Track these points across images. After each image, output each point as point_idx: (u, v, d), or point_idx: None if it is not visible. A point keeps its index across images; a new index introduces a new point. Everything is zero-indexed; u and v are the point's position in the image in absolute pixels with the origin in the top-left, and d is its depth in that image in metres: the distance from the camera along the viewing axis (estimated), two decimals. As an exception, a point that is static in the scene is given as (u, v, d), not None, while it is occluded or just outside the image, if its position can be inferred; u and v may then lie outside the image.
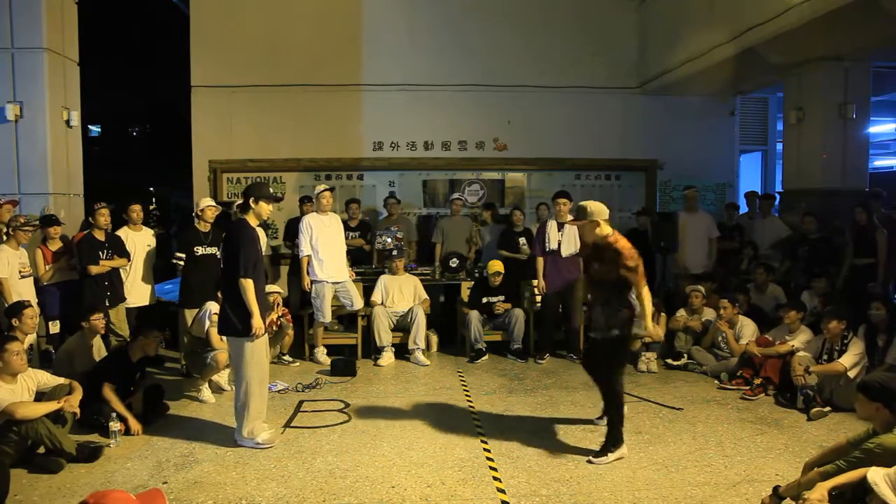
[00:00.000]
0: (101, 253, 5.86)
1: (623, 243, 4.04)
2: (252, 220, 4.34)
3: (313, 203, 6.91)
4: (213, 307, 5.49)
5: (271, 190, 4.51)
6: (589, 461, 3.96)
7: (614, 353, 4.13)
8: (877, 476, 2.63)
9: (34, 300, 5.70)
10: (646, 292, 4.08)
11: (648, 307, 4.12)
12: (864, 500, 2.70)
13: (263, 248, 6.36)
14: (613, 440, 4.03)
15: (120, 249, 6.02)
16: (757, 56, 6.89)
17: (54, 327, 5.87)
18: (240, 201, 6.08)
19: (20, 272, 5.58)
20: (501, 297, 6.76)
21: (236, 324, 4.18)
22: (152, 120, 20.87)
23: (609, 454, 3.98)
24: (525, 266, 7.11)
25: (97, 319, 5.15)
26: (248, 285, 4.13)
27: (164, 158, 17.99)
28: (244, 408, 4.25)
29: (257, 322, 4.16)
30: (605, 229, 4.11)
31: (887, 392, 2.96)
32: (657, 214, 8.30)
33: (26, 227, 5.68)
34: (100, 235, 5.94)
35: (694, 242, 7.41)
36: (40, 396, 4.13)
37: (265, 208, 4.35)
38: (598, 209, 4.11)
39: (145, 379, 4.92)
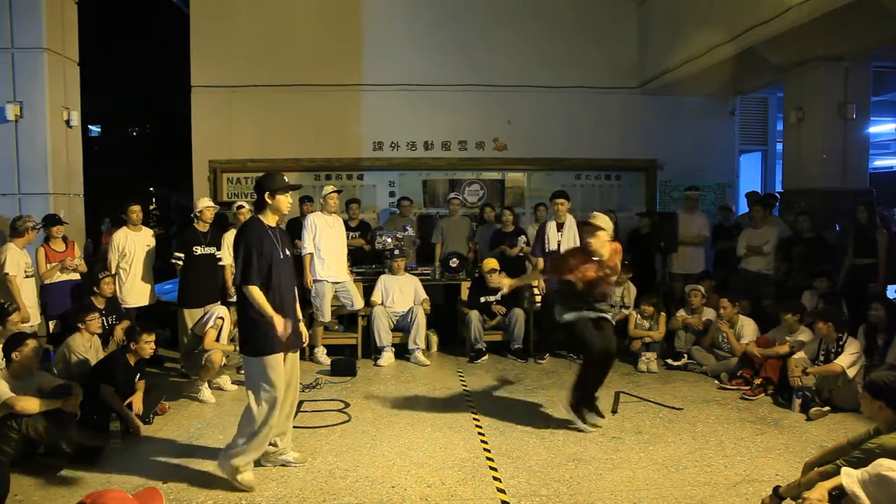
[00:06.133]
0: None
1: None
2: (269, 219, 3.75)
3: (313, 203, 6.90)
4: (218, 311, 5.53)
5: (285, 178, 3.82)
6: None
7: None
8: (853, 485, 2.63)
9: (36, 300, 5.74)
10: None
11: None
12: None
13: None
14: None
15: None
16: (757, 56, 6.89)
17: (54, 327, 5.87)
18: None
19: (25, 272, 5.60)
20: (499, 297, 6.75)
21: (244, 341, 3.69)
22: (152, 120, 20.85)
23: None
24: (524, 265, 7.11)
25: (92, 320, 5.15)
26: (254, 291, 3.56)
27: (164, 158, 17.98)
28: (254, 436, 3.62)
29: (278, 324, 3.53)
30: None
31: (890, 391, 2.96)
32: (657, 214, 8.31)
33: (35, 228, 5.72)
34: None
35: (688, 244, 7.47)
36: (40, 397, 4.13)
37: (284, 202, 3.75)
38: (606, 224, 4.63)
39: (144, 379, 4.92)
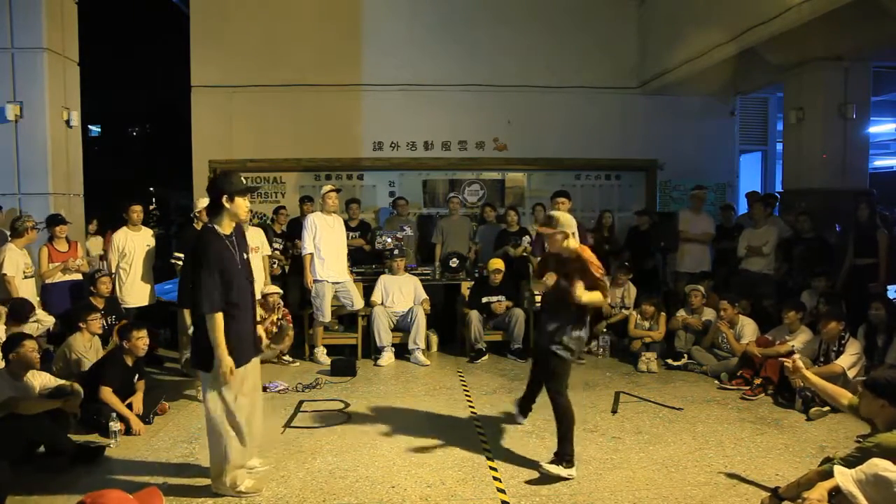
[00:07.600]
0: None
1: (589, 254, 3.90)
2: (225, 227, 3.38)
3: (313, 203, 6.88)
4: None
5: (243, 179, 3.44)
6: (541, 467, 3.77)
7: (558, 367, 3.88)
8: (849, 484, 2.63)
9: (36, 300, 5.73)
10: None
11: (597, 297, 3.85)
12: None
13: (263, 249, 6.39)
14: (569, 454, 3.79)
15: None
16: (757, 56, 6.89)
17: (54, 327, 5.87)
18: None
19: (24, 272, 5.60)
20: (501, 297, 6.76)
21: (199, 357, 3.39)
22: (152, 120, 20.88)
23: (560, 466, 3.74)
24: (527, 265, 7.10)
25: (93, 320, 5.15)
26: (217, 320, 3.25)
27: (164, 158, 18.00)
28: (224, 458, 3.43)
29: (224, 360, 3.24)
30: (573, 242, 3.90)
31: (894, 389, 2.95)
32: (657, 214, 8.33)
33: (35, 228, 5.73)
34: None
35: (694, 242, 7.48)
36: (40, 397, 4.14)
37: (243, 206, 3.39)
38: (567, 221, 3.90)
39: (144, 379, 4.92)
